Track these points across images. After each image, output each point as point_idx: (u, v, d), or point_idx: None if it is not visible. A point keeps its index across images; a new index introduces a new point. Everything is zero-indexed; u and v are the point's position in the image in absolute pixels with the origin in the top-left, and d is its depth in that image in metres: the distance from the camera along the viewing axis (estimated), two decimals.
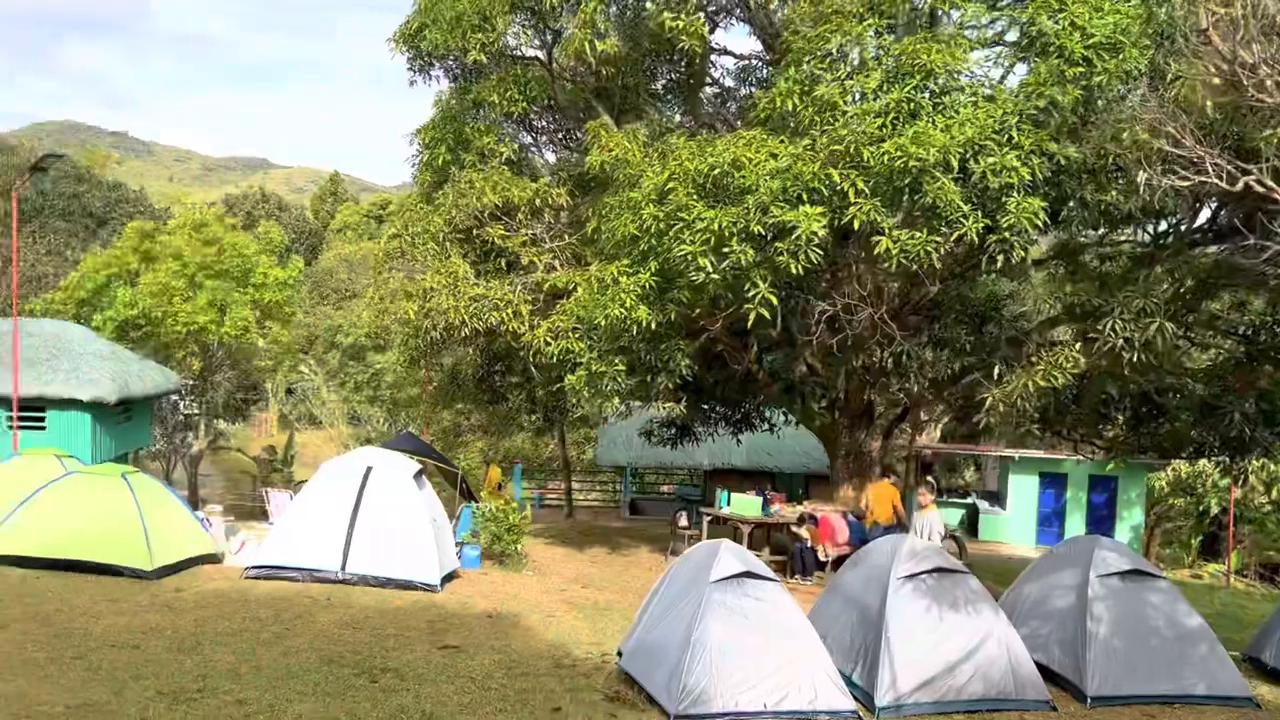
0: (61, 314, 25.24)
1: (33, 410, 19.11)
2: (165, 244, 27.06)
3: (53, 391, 19.13)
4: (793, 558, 15.43)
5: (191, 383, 28.14)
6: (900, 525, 14.00)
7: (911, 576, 8.85)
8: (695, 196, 11.81)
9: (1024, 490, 23.80)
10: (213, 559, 12.61)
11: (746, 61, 17.99)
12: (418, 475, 12.96)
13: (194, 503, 23.39)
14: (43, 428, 19.32)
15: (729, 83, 18.58)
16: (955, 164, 10.86)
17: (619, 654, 9.10)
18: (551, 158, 19.09)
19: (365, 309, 20.20)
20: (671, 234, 11.71)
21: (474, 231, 15.43)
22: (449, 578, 12.41)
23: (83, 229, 32.89)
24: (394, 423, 34.30)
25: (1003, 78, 13.04)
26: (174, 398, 28.25)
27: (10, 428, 18.85)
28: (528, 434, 31.88)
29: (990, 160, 10.91)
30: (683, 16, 13.59)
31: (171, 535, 11.99)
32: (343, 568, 11.66)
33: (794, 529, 15.54)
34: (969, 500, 25.27)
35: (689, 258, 11.55)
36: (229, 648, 8.72)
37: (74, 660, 7.80)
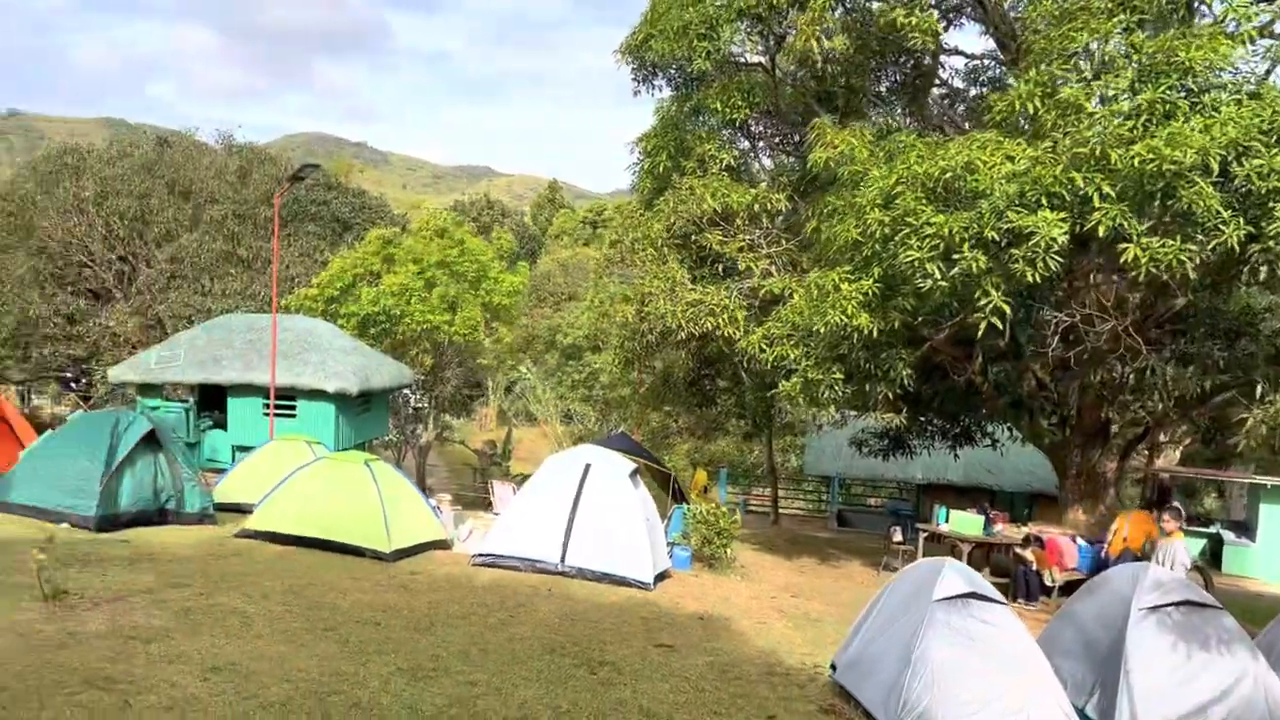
0: (311, 311, 27.43)
1: (285, 399, 20.89)
2: (409, 249, 28.92)
3: (303, 382, 20.81)
4: (1015, 581, 14.63)
5: (422, 378, 29.92)
6: (1140, 555, 13.02)
7: (1156, 608, 8.21)
8: (924, 200, 11.44)
9: (1277, 521, 21.62)
10: (443, 545, 13.35)
11: (978, 61, 17.31)
12: (633, 474, 13.22)
13: (422, 491, 24.87)
14: (293, 415, 21.06)
15: (958, 83, 17.95)
16: (1215, 167, 10.00)
17: (832, 667, 8.93)
18: (769, 163, 19.06)
19: (585, 311, 20.85)
20: (898, 239, 11.39)
21: (692, 237, 15.61)
22: (661, 577, 12.58)
23: (330, 233, 35.69)
24: (604, 422, 35.23)
25: (1268, 73, 11.92)
26: (406, 391, 30.18)
27: (267, 414, 20.71)
28: (734, 438, 31.95)
29: (1256, 163, 9.98)
30: (915, 13, 13.22)
31: (407, 521, 12.79)
32: (562, 560, 12.06)
33: (1018, 551, 14.75)
34: (1212, 529, 23.22)
35: (915, 264, 11.20)
36: (459, 630, 9.18)
37: (325, 632, 8.44)
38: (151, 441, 13.07)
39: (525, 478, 24.05)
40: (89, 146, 36.90)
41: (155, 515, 12.89)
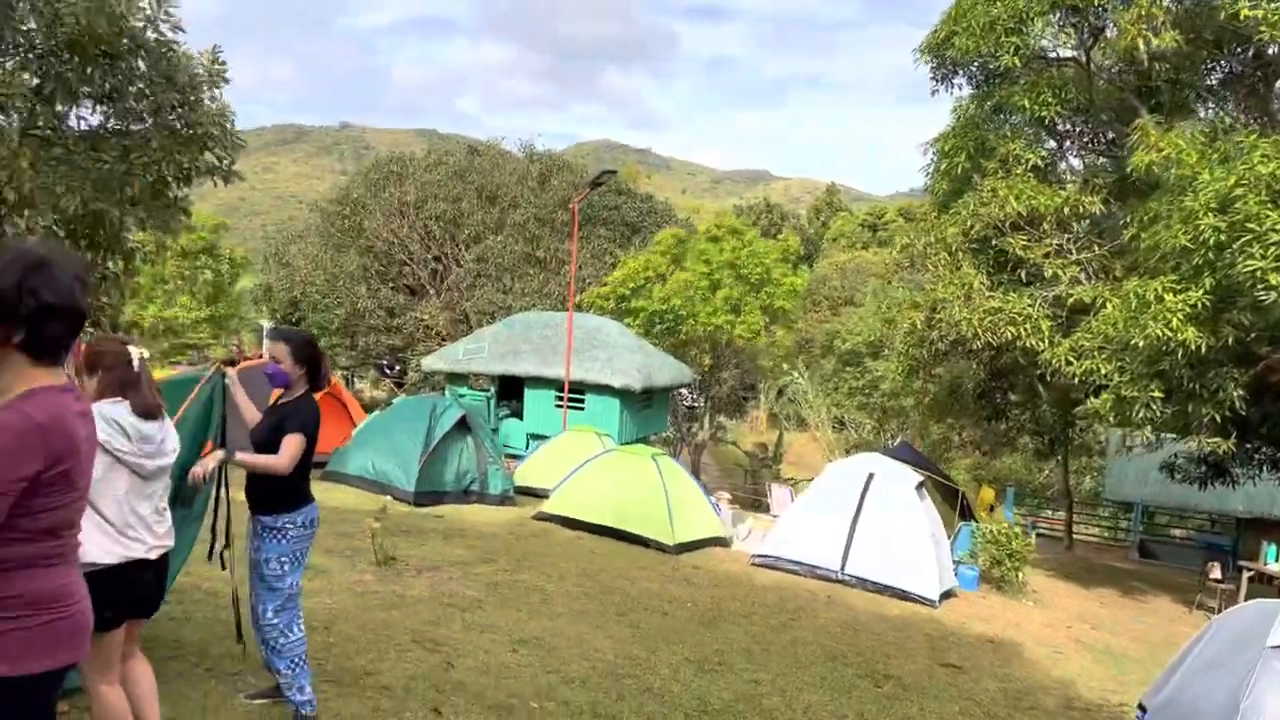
0: (601, 310, 28.74)
1: (574, 393, 22.02)
2: (701, 250, 29.57)
3: (591, 378, 21.85)
4: None
5: (699, 378, 30.53)
6: None
7: None
8: (1269, 204, 10.26)
9: None
10: (722, 542, 13.56)
11: None
12: (919, 487, 12.82)
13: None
14: (581, 408, 22.16)
15: None
16: None
17: (1141, 708, 8.18)
18: (1077, 163, 17.80)
19: (871, 316, 20.42)
20: (1235, 247, 10.29)
21: (991, 241, 14.88)
22: (945, 595, 12.11)
23: (619, 235, 37.21)
24: (881, 431, 34.40)
25: None
26: (683, 390, 30.91)
27: (558, 406, 21.93)
28: (1023, 456, 30.12)
29: None
30: (1263, 5, 11.87)
31: (689, 516, 13.11)
32: (842, 568, 11.90)
33: None
34: None
35: (1255, 274, 10.08)
36: (741, 628, 9.29)
37: (617, 616, 8.81)
38: (463, 426, 14.21)
39: (797, 482, 24.04)
40: (410, 155, 40.64)
41: (463, 494, 14.01)
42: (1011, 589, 13.71)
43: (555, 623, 8.18)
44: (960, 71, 16.29)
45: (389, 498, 13.06)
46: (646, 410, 24.03)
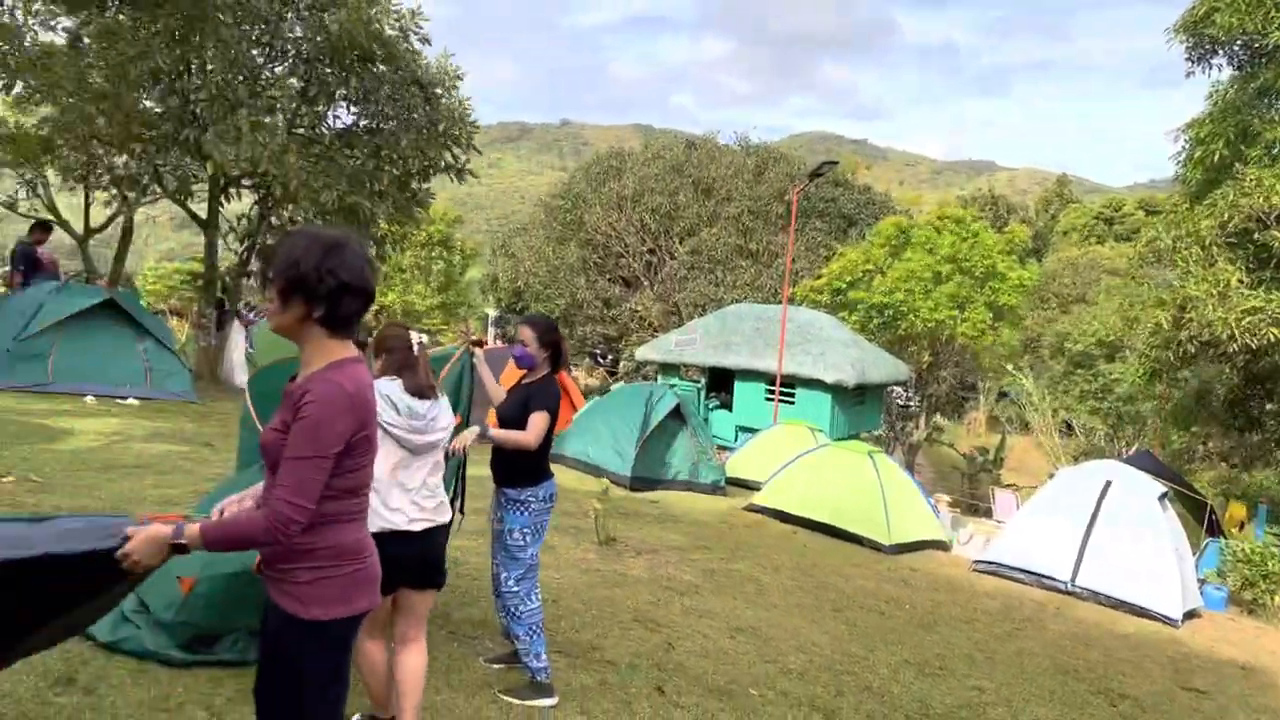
0: (815, 303, 28.41)
1: (786, 387, 21.90)
2: (924, 238, 28.60)
3: (803, 372, 21.68)
4: None
5: (916, 375, 29.62)
6: None
7: None
8: None
9: None
10: (941, 545, 13.14)
11: None
12: (1161, 498, 11.94)
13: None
14: (792, 402, 22.02)
15: None
16: None
17: None
18: None
19: (1109, 315, 19.14)
20: None
21: (1252, 235, 13.63)
22: (1189, 615, 11.22)
23: (835, 228, 36.62)
24: (1115, 439, 32.14)
25: None
26: (898, 388, 30.07)
27: (768, 399, 21.88)
28: (1278, 472, 27.37)
29: None
30: None
31: (907, 516, 12.78)
32: (1072, 580, 11.26)
33: None
34: None
35: None
36: (962, 634, 8.98)
37: (833, 612, 8.73)
38: (677, 415, 14.45)
39: (1020, 488, 22.84)
40: (628, 150, 41.58)
41: (676, 481, 14.25)
42: (1266, 613, 12.53)
43: (771, 613, 8.20)
44: (1220, 51, 14.97)
45: (606, 481, 13.47)
46: (859, 407, 23.58)
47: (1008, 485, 23.95)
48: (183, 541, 2.51)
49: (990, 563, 11.89)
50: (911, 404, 33.54)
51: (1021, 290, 27.83)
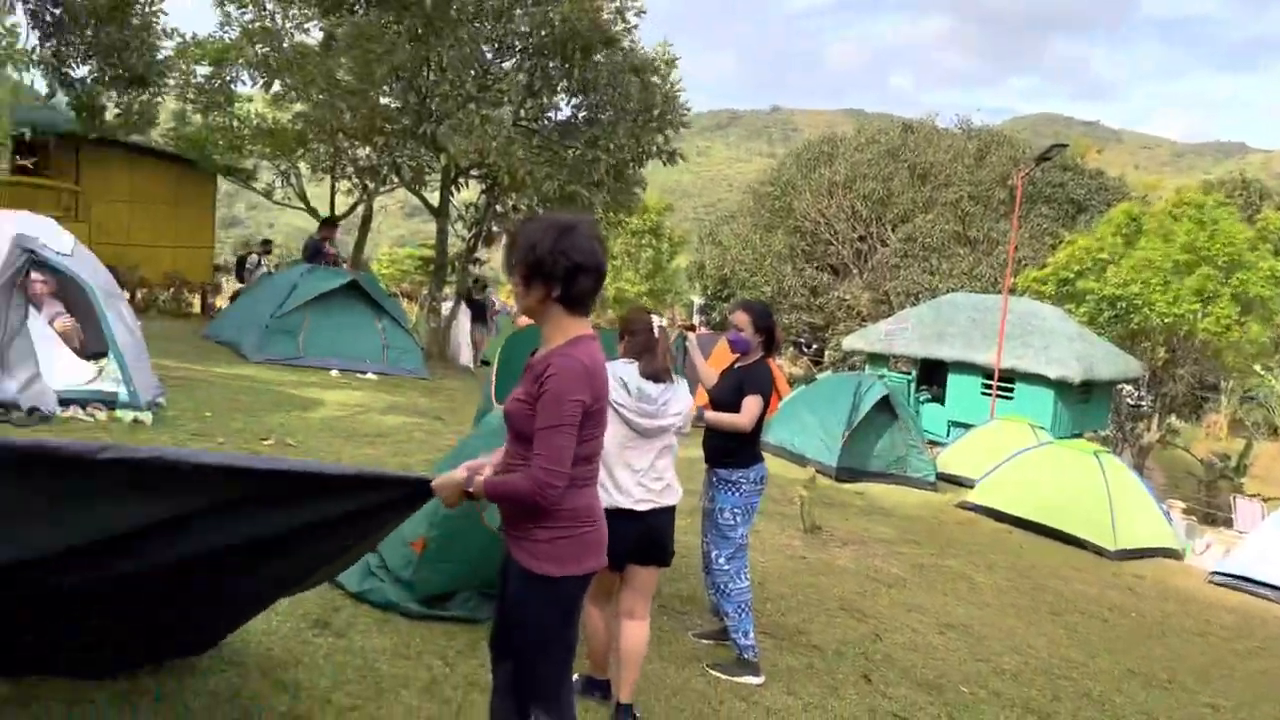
0: (1039, 294, 26.94)
1: (1004, 381, 20.96)
2: (1160, 225, 26.55)
3: (1023, 366, 20.67)
4: None
5: (1149, 372, 27.62)
6: None
7: None
8: None
9: None
10: (1173, 554, 12.27)
11: None
12: None
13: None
14: (1010, 397, 21.05)
15: None
16: None
17: None
18: None
19: None
20: None
21: None
22: None
23: (1063, 215, 34.62)
24: None
25: None
26: (1127, 386, 28.11)
27: (984, 394, 21.03)
28: None
29: None
30: None
31: (1135, 521, 12.02)
32: None
33: None
34: None
35: None
36: (1195, 647, 8.41)
37: (1051, 616, 8.37)
38: (885, 406, 14.17)
39: (1268, 499, 20.88)
40: (841, 135, 40.86)
41: (883, 474, 13.98)
42: None
43: (984, 612, 7.97)
44: None
45: (815, 469, 13.41)
46: (1084, 404, 22.23)
47: (1252, 495, 21.99)
48: (471, 491, 2.86)
49: (1230, 575, 11.01)
50: (1143, 404, 31.24)
51: (1275, 282, 25.24)
